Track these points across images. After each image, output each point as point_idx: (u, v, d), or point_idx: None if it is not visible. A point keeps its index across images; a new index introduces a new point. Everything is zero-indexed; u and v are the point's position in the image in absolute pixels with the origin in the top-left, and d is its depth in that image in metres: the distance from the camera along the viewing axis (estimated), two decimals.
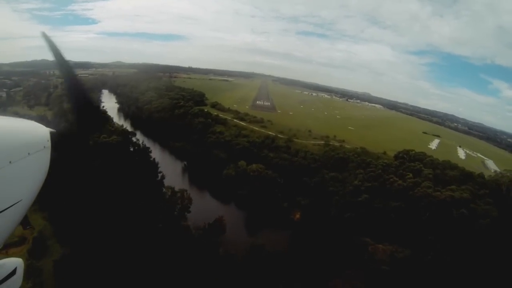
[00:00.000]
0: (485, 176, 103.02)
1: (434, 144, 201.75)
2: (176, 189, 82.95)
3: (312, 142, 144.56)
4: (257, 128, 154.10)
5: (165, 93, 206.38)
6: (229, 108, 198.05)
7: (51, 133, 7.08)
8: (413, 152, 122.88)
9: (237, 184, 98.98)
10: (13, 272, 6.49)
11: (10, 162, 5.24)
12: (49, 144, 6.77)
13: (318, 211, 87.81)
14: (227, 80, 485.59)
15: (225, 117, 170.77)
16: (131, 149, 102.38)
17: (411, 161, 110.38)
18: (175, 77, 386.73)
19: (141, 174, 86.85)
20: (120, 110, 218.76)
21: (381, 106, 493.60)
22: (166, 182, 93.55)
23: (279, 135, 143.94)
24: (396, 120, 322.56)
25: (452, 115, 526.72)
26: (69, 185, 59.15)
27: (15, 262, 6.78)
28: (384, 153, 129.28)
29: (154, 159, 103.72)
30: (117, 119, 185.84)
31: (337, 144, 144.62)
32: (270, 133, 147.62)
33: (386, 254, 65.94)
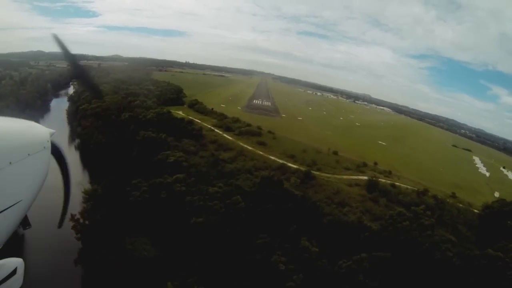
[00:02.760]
0: None
1: (479, 165, 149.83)
2: None
3: (347, 177, 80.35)
4: (250, 147, 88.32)
5: (124, 87, 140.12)
6: (212, 109, 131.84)
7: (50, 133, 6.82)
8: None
9: None
10: (14, 272, 6.15)
11: (10, 163, 5.03)
12: (49, 144, 6.45)
13: None
14: (223, 76, 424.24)
15: (202, 125, 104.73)
16: None
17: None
18: (165, 71, 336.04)
19: None
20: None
21: (389, 110, 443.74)
22: None
23: (288, 163, 79.11)
24: (417, 129, 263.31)
25: (453, 120, 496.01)
26: None
27: (15, 262, 6.36)
28: (453, 195, 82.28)
29: None
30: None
31: (384, 179, 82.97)
32: (273, 157, 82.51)
33: None
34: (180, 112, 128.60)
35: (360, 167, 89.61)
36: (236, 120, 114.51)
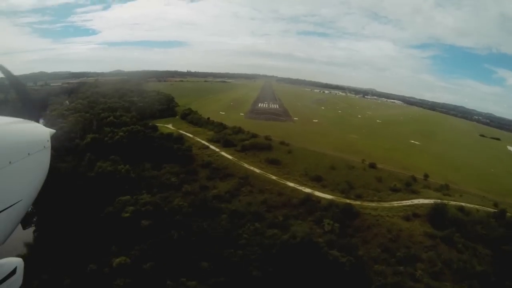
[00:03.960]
0: None
1: None
2: None
3: (398, 203, 56.18)
4: (258, 170, 62.34)
5: (103, 101, 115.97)
6: (209, 118, 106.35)
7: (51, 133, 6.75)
8: None
9: None
10: (13, 271, 6.04)
11: (10, 162, 4.99)
12: (49, 144, 6.43)
13: None
14: (225, 82, 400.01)
15: (194, 140, 79.64)
16: None
17: None
18: (165, 81, 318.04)
19: None
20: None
21: (400, 102, 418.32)
22: None
23: (315, 191, 53.37)
24: (438, 120, 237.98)
25: (462, 107, 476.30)
26: None
27: (15, 261, 6.22)
28: None
29: None
30: None
31: (445, 199, 58.55)
32: (292, 184, 56.62)
33: None
34: (170, 126, 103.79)
35: (410, 185, 63.47)
36: (238, 131, 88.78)
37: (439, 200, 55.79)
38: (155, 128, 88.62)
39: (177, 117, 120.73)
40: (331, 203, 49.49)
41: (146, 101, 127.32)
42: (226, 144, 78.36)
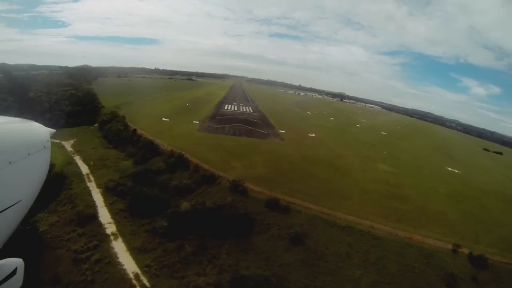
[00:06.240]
0: None
1: None
2: None
3: None
4: None
5: None
6: (135, 131, 58.55)
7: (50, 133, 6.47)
8: None
9: None
10: (14, 272, 5.70)
11: (10, 162, 4.85)
12: (49, 144, 6.24)
13: None
14: (191, 79, 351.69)
15: (79, 189, 32.25)
16: None
17: None
18: (125, 77, 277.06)
19: None
20: None
21: (379, 108, 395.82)
22: None
23: None
24: (434, 131, 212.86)
25: (431, 113, 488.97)
26: None
27: (15, 262, 5.83)
28: None
29: None
30: None
31: None
32: None
33: None
34: (68, 145, 55.81)
35: None
36: (175, 165, 42.29)
37: None
38: None
39: (96, 125, 72.86)
40: None
41: (54, 99, 77.44)
42: (139, 207, 32.29)
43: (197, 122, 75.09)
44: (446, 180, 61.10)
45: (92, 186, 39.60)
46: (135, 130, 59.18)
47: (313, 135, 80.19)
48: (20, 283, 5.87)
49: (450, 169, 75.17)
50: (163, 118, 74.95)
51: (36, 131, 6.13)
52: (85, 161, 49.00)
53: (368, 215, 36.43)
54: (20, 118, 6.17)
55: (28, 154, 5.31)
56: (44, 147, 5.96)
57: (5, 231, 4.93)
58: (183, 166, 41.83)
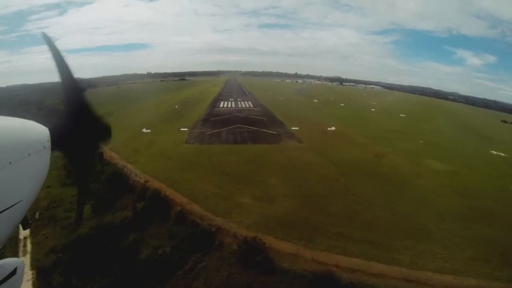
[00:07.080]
0: None
1: None
2: None
3: None
4: None
5: None
6: (102, 155, 42.74)
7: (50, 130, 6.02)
8: None
9: None
10: (13, 272, 5.75)
11: (10, 162, 4.68)
12: (49, 144, 5.81)
13: None
14: (184, 79, 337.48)
15: None
16: None
17: None
18: (115, 85, 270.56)
19: None
20: None
21: (380, 88, 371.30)
22: None
23: None
24: (445, 106, 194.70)
25: (429, 88, 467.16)
26: None
27: (15, 262, 5.99)
28: None
29: None
30: None
31: None
32: None
33: None
34: None
35: None
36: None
37: None
38: None
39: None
40: None
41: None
42: None
43: (186, 129, 58.98)
44: (507, 171, 45.24)
45: (25, 266, 23.98)
46: (101, 153, 43.28)
47: (333, 128, 64.16)
48: (20, 283, 5.77)
49: (495, 152, 59.61)
50: (143, 129, 58.96)
51: (36, 131, 5.70)
52: (30, 210, 33.34)
53: (466, 266, 20.98)
54: (20, 118, 5.72)
55: (28, 154, 5.07)
56: (44, 147, 5.61)
57: (5, 231, 4.77)
58: (161, 213, 26.15)
